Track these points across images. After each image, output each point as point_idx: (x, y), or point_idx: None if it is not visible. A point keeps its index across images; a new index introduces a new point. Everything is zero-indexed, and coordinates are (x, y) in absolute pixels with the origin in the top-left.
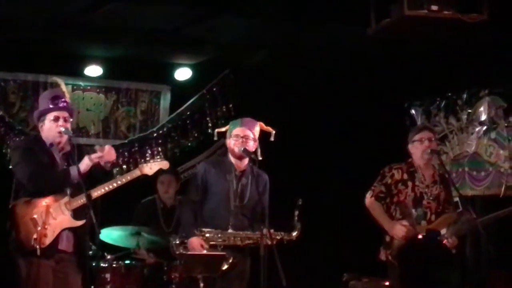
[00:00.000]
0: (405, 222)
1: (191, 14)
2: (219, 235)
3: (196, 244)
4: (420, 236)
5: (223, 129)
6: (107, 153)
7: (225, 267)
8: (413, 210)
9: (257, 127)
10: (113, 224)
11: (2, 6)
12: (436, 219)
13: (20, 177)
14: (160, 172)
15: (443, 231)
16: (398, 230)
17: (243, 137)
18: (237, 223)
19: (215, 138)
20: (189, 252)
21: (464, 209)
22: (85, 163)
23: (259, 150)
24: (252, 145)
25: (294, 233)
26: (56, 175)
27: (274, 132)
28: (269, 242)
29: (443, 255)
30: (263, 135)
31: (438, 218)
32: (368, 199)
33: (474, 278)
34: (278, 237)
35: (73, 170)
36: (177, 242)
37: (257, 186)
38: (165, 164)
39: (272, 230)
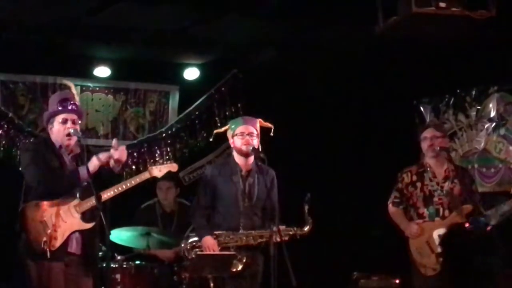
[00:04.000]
0: (418, 221)
1: (199, 14)
2: (231, 237)
3: (211, 243)
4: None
5: (222, 130)
6: (120, 151)
7: (239, 267)
8: (425, 210)
9: (258, 124)
10: (123, 225)
11: (10, 8)
12: (450, 214)
13: (30, 180)
14: (158, 178)
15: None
16: (412, 229)
17: (249, 134)
18: (248, 223)
19: (211, 139)
20: (199, 252)
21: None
22: (93, 164)
23: (260, 147)
24: (256, 143)
25: (306, 228)
26: (65, 177)
27: (273, 127)
28: (279, 239)
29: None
30: (264, 132)
31: (453, 212)
32: (389, 207)
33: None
34: (291, 233)
35: (82, 171)
36: (188, 247)
37: (264, 183)
38: (174, 167)
39: (284, 226)
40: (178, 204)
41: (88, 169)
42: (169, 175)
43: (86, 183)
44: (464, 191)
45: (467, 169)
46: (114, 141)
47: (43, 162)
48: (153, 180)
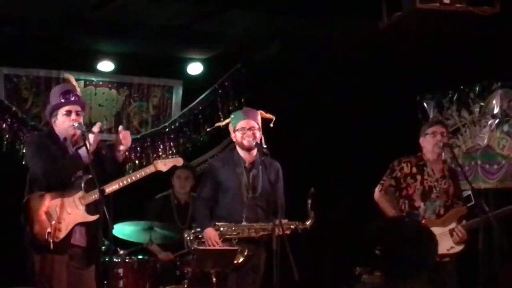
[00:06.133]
0: None
1: (203, 9)
2: (233, 228)
3: (212, 234)
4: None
5: (223, 123)
6: (123, 134)
7: (240, 259)
8: (422, 204)
9: (259, 116)
10: (126, 219)
11: (14, 2)
12: (445, 212)
13: (35, 172)
14: (177, 167)
15: (452, 225)
16: None
17: (250, 128)
18: (251, 215)
19: (221, 128)
20: (202, 247)
21: (477, 203)
22: (90, 140)
23: (263, 139)
24: (258, 136)
25: (308, 222)
26: (68, 162)
27: (274, 118)
28: (281, 233)
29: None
30: (266, 124)
31: (448, 212)
32: (377, 193)
33: (487, 272)
34: (292, 227)
35: (83, 153)
36: (191, 237)
37: (268, 175)
38: (179, 161)
39: (286, 220)
40: (192, 197)
41: (87, 149)
42: (187, 165)
43: (90, 176)
44: (457, 192)
45: (461, 167)
46: (120, 127)
47: (47, 154)
48: (161, 173)
